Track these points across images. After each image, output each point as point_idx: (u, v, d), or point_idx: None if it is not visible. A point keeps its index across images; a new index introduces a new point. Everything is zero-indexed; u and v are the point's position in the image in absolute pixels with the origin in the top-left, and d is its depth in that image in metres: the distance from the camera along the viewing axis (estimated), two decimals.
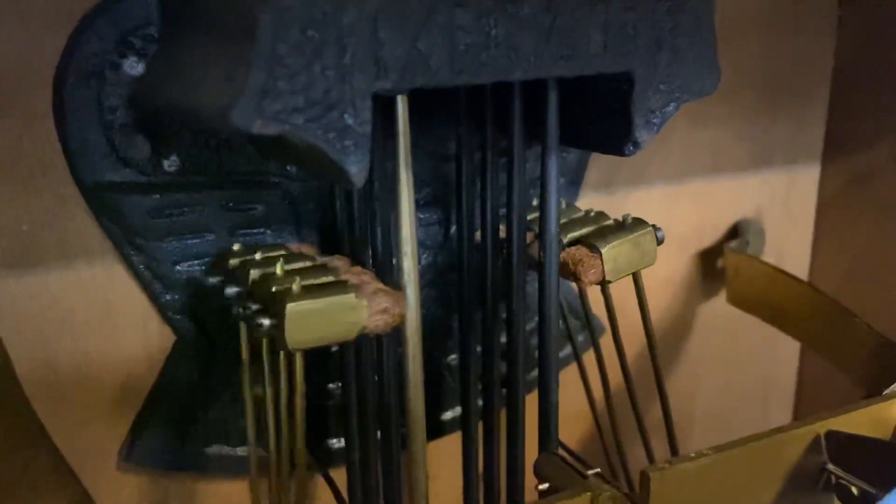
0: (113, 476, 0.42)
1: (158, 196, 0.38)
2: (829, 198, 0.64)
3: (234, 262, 0.38)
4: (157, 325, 0.41)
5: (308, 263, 0.37)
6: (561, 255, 0.39)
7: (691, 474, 0.33)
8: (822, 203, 0.65)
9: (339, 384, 0.45)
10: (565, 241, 0.40)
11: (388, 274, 0.39)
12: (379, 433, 0.42)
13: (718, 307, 0.62)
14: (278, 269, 0.35)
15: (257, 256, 0.37)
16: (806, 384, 0.70)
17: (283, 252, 0.39)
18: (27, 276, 0.38)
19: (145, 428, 0.42)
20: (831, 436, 0.36)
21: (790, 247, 0.65)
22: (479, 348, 0.45)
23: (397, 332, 0.39)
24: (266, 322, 0.33)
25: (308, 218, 0.42)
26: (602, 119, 0.36)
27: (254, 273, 0.36)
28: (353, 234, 0.39)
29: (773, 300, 0.54)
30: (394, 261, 0.39)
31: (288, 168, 0.41)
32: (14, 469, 0.30)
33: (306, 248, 0.41)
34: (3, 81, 0.35)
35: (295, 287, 0.33)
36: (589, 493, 0.31)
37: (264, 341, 0.36)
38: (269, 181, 0.41)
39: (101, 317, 0.40)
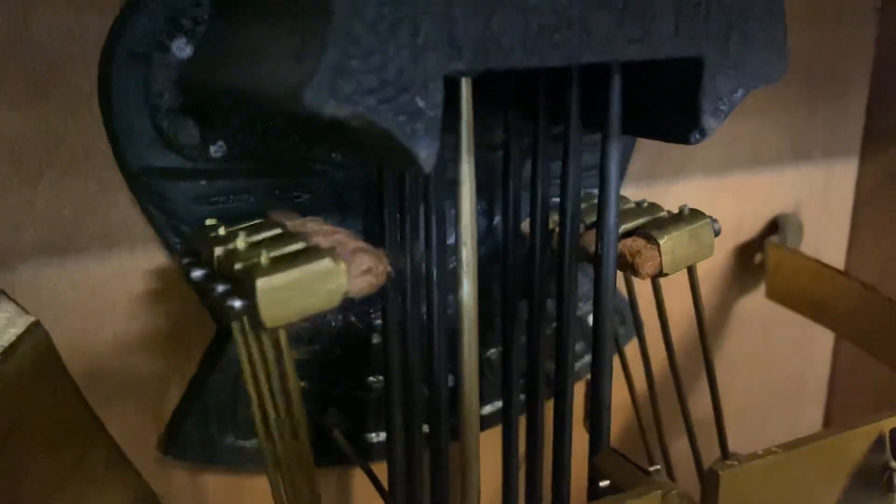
0: (151, 469, 0.41)
1: (204, 182, 0.37)
2: (866, 192, 0.63)
3: (199, 241, 0.34)
4: (198, 316, 0.40)
5: (276, 231, 0.34)
6: (617, 247, 0.38)
7: (759, 472, 0.32)
8: (860, 197, 0.64)
9: (380, 377, 0.45)
10: (619, 232, 0.39)
11: (440, 264, 0.38)
12: (424, 427, 0.41)
13: (754, 302, 0.62)
14: (240, 243, 0.32)
15: (221, 231, 0.34)
16: (839, 381, 0.69)
17: (252, 222, 0.36)
18: (69, 264, 0.37)
19: (184, 421, 0.41)
20: None
21: (827, 240, 0.64)
22: (520, 341, 0.44)
23: (453, 325, 0.38)
24: (237, 304, 0.30)
25: (354, 205, 0.41)
26: (665, 105, 0.35)
27: (218, 250, 0.32)
28: (403, 221, 0.38)
29: (816, 295, 0.53)
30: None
31: (334, 155, 0.40)
32: (70, 462, 0.29)
33: (283, 214, 0.37)
34: (47, 62, 0.34)
35: (263, 260, 0.30)
36: (659, 492, 0.30)
37: (236, 324, 0.32)
38: (315, 168, 0.40)
39: (143, 306, 0.39)
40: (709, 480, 0.31)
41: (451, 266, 0.41)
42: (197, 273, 0.33)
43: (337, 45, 0.25)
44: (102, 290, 0.38)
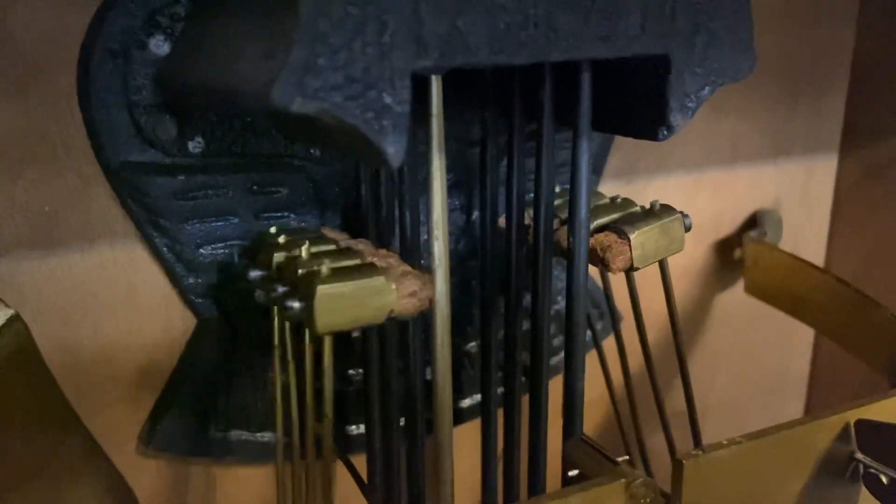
0: (133, 460, 0.42)
1: (183, 178, 0.38)
2: (846, 188, 0.64)
3: (260, 245, 0.37)
4: (178, 309, 0.41)
5: (332, 247, 0.37)
6: (589, 242, 0.39)
7: (723, 462, 0.33)
8: (839, 193, 0.65)
9: (360, 370, 0.45)
10: (592, 227, 0.40)
11: (415, 258, 0.38)
12: (402, 420, 0.41)
13: (734, 297, 0.62)
14: (303, 252, 0.35)
15: (280, 240, 0.37)
16: (819, 375, 0.70)
17: (309, 235, 0.38)
18: (50, 258, 0.37)
19: (165, 413, 0.42)
20: (861, 424, 0.36)
21: (807, 236, 0.65)
22: (499, 335, 0.44)
23: (424, 317, 0.39)
24: (296, 305, 0.32)
25: (332, 201, 0.41)
26: (635, 103, 0.35)
27: (278, 256, 0.35)
28: (379, 217, 0.39)
29: (793, 290, 0.54)
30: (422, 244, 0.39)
31: (312, 151, 0.40)
32: (45, 451, 0.29)
33: (333, 233, 0.40)
34: (27, 59, 0.35)
35: (324, 270, 0.32)
36: (623, 480, 0.30)
37: (287, 326, 0.36)
38: (293, 164, 0.40)
39: (124, 300, 0.39)
40: (674, 469, 0.32)
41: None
42: (254, 273, 0.35)
43: (303, 43, 0.25)
44: (83, 284, 0.38)
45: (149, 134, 0.36)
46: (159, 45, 0.35)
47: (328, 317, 0.32)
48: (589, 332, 0.51)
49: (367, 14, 0.26)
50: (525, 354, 0.43)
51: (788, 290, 0.54)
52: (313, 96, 0.26)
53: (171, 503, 0.44)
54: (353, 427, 0.47)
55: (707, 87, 0.34)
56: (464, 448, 0.48)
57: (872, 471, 0.36)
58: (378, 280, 0.33)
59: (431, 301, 0.35)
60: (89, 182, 0.37)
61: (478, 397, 0.49)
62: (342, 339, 0.45)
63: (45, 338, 0.38)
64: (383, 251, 0.37)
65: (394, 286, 0.33)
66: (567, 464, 0.35)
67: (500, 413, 0.45)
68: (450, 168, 0.44)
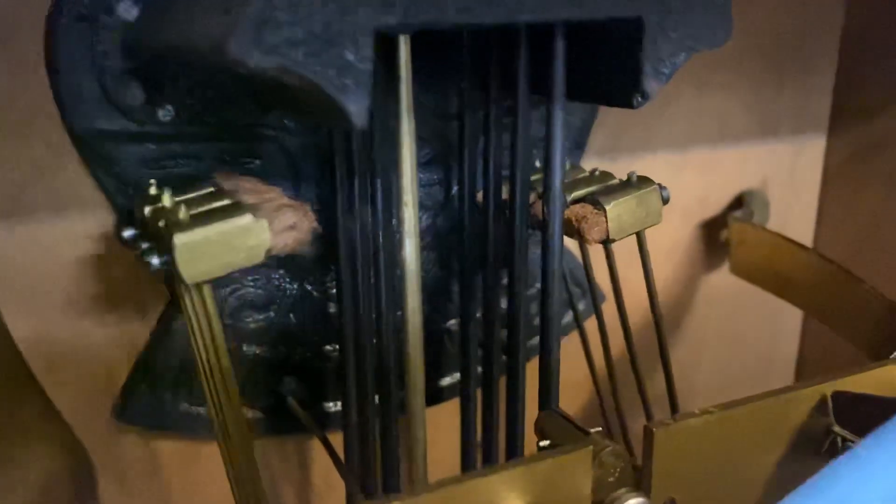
0: (105, 434, 0.41)
1: (153, 146, 0.37)
2: (834, 168, 0.63)
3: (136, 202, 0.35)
4: (151, 282, 0.40)
5: (205, 191, 0.34)
6: (564, 213, 0.38)
7: (695, 432, 0.32)
8: (828, 174, 0.64)
9: (336, 346, 0.45)
10: (569, 199, 0.39)
11: (387, 227, 0.38)
12: (377, 396, 0.41)
13: (721, 279, 0.62)
14: (166, 201, 0.32)
15: (151, 191, 0.34)
16: (807, 357, 0.69)
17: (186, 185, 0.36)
18: (18, 228, 0.37)
19: (138, 387, 0.41)
20: (838, 397, 0.36)
21: (795, 217, 0.64)
22: (479, 313, 0.44)
23: (398, 290, 0.38)
24: (155, 260, 0.30)
25: (306, 173, 0.41)
26: (609, 70, 0.35)
27: (147, 210, 0.33)
28: (353, 188, 0.38)
29: (778, 269, 0.53)
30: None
31: (285, 122, 0.40)
32: (2, 413, 0.29)
33: (229, 177, 0.37)
34: None
35: (182, 216, 0.30)
36: (591, 448, 0.30)
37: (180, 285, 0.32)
38: (267, 135, 0.40)
39: (95, 272, 0.39)
40: (645, 438, 0.31)
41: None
42: (128, 233, 0.33)
43: None
44: (52, 254, 0.38)
45: (117, 100, 0.36)
46: (128, 10, 0.35)
47: (193, 266, 0.30)
48: (571, 313, 0.51)
49: None
50: (504, 331, 0.43)
51: (774, 269, 0.54)
52: (272, 51, 0.25)
53: (145, 477, 0.43)
54: (331, 404, 0.46)
55: (682, 53, 0.33)
56: (444, 426, 0.48)
57: (850, 444, 0.36)
58: (244, 219, 0.31)
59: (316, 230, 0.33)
60: (58, 150, 0.37)
61: (457, 375, 0.49)
62: (317, 313, 0.44)
63: (13, 309, 0.37)
64: (264, 187, 0.35)
65: (264, 222, 0.31)
66: (539, 434, 0.35)
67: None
68: (428, 141, 0.44)
